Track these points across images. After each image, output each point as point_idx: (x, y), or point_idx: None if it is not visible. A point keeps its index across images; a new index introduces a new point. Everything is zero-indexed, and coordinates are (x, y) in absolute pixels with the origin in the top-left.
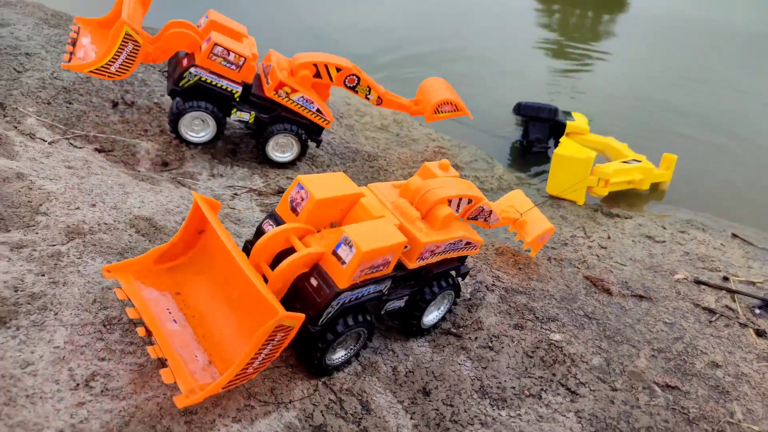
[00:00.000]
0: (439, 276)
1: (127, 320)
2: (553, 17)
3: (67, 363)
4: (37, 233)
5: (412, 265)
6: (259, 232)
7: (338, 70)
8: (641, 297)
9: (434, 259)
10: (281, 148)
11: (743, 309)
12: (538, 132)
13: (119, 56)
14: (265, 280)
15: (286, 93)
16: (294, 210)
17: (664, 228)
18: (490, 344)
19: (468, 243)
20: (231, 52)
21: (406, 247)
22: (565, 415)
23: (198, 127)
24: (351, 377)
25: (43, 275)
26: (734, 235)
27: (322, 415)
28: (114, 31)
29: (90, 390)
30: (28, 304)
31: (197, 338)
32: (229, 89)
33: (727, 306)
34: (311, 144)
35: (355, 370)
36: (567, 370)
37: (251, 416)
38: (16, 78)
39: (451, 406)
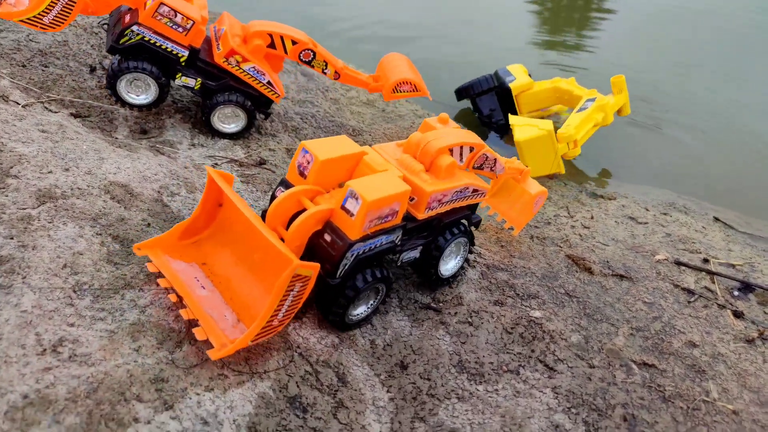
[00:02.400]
0: (450, 225)
1: (99, 286)
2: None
3: (34, 327)
4: (6, 196)
5: (421, 215)
6: (273, 198)
7: (294, 43)
8: (622, 277)
9: (443, 209)
10: (227, 118)
11: (722, 291)
12: (488, 104)
13: (53, 7)
14: (283, 242)
15: (237, 62)
16: (302, 174)
17: (647, 210)
18: (469, 320)
19: (475, 190)
20: (178, 14)
21: (412, 198)
22: (542, 391)
23: (139, 89)
24: (328, 349)
25: (12, 238)
26: (716, 219)
27: (297, 386)
28: None
29: (57, 355)
30: None
31: (225, 300)
32: (174, 52)
33: (706, 287)
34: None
35: (333, 342)
36: (546, 346)
37: (224, 385)
38: None
39: (429, 380)
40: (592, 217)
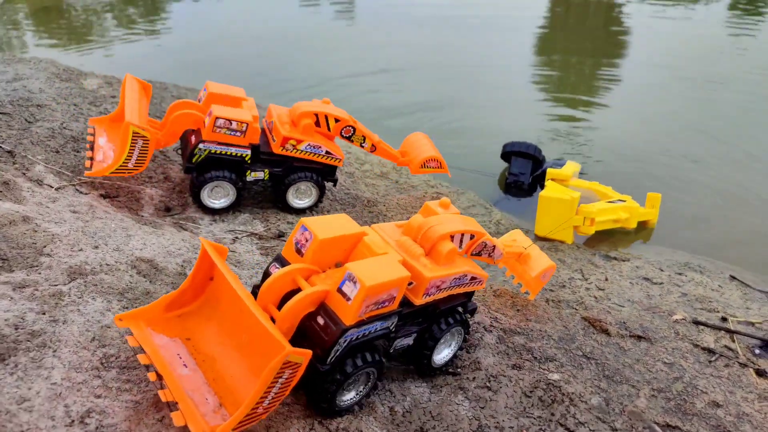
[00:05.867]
0: (446, 312)
1: (125, 358)
2: (552, 64)
3: (63, 399)
4: (39, 273)
5: (419, 301)
6: (266, 275)
7: (336, 121)
8: (640, 337)
9: (440, 295)
10: (301, 194)
11: (743, 349)
12: (519, 167)
13: (132, 154)
14: (273, 322)
15: (293, 145)
16: (299, 251)
17: (662, 270)
18: (488, 384)
19: (473, 278)
20: (233, 121)
21: (411, 283)
22: None
23: (219, 194)
24: (348, 417)
25: (44, 314)
26: (732, 277)
27: None
28: (122, 134)
29: (85, 426)
30: (28, 341)
31: (208, 382)
32: (239, 154)
33: (726, 346)
34: (329, 186)
35: (352, 410)
36: (566, 409)
37: None
38: (26, 128)
39: None
40: (606, 279)
